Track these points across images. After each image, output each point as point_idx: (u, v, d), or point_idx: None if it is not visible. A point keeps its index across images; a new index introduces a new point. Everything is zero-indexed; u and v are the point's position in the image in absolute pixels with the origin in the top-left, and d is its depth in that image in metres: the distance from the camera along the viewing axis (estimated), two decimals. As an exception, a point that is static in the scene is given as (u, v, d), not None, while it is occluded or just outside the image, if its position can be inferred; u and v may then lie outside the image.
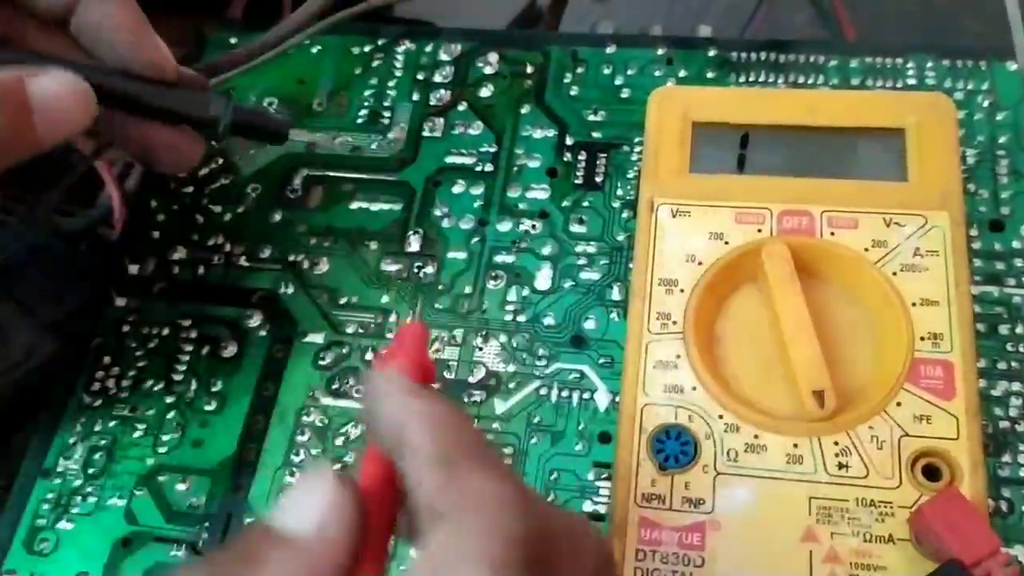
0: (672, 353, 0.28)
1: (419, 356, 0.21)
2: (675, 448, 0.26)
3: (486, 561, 0.16)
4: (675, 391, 0.27)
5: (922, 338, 0.27)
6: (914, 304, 0.27)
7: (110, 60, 0.27)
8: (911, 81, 0.33)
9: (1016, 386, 0.28)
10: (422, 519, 0.17)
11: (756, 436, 0.26)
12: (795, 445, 0.26)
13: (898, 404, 0.26)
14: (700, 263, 0.29)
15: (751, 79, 0.34)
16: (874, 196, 0.29)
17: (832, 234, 0.28)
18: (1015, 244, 0.30)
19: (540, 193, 0.33)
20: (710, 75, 0.34)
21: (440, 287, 0.32)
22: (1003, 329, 0.29)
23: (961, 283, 0.27)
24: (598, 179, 0.33)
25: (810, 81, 0.34)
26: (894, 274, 0.28)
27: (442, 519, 0.17)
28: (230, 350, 0.32)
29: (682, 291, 0.28)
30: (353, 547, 0.17)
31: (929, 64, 0.33)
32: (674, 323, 0.28)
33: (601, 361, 0.30)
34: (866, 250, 0.28)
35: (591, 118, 0.34)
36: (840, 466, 0.26)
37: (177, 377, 0.32)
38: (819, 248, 0.28)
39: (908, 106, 0.30)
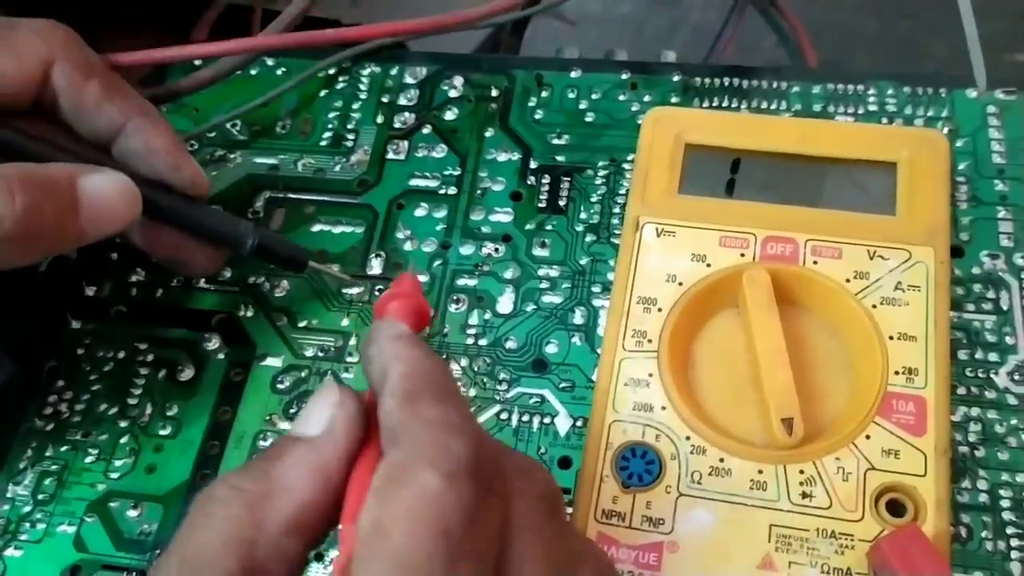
0: (645, 371, 0.28)
1: (416, 299, 0.23)
2: (639, 466, 0.26)
3: (434, 469, 0.18)
4: (644, 409, 0.27)
5: (896, 372, 0.27)
6: (891, 338, 0.27)
7: (152, 177, 0.29)
8: (872, 108, 0.33)
9: (975, 411, 0.28)
10: (385, 444, 0.19)
11: (722, 460, 0.26)
12: (760, 471, 0.26)
13: (867, 437, 0.26)
14: (681, 284, 0.29)
15: (714, 104, 0.34)
16: (860, 228, 0.29)
17: (815, 263, 0.28)
18: (974, 270, 0.30)
19: (503, 216, 0.33)
20: (674, 100, 0.34)
21: (401, 310, 0.32)
22: (962, 354, 0.29)
23: (941, 320, 0.27)
24: (561, 203, 0.33)
25: (772, 107, 0.34)
26: (874, 307, 0.28)
27: (398, 440, 0.19)
28: (187, 373, 0.31)
29: (660, 310, 0.28)
30: (356, 442, 0.20)
31: (890, 91, 0.33)
32: (649, 342, 0.28)
33: (562, 385, 0.30)
34: (848, 281, 0.28)
35: (555, 142, 0.34)
36: (804, 495, 0.25)
37: (132, 401, 0.31)
38: (800, 276, 0.28)
39: (901, 140, 0.30)
